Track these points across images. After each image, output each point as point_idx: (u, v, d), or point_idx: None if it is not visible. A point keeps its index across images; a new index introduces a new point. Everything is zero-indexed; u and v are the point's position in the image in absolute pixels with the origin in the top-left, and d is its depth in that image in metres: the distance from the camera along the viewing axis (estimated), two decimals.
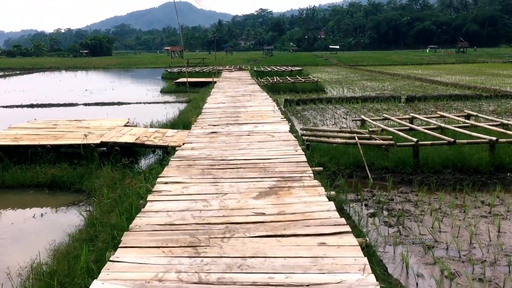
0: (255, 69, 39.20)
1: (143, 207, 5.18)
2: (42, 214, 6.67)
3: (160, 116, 13.66)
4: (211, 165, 7.13)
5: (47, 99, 22.14)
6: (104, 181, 6.97)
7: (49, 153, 8.28)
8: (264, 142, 8.71)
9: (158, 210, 5.09)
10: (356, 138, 9.08)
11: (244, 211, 5.02)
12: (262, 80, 27.42)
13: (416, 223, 6.31)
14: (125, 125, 10.83)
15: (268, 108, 13.74)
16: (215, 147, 8.42)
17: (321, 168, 7.36)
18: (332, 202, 5.18)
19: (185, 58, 43.70)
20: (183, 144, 8.69)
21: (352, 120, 11.85)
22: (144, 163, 9.39)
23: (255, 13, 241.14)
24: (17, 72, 50.05)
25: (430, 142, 8.51)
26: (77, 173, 7.79)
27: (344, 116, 15.52)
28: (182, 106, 18.08)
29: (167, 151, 8.65)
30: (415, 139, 8.35)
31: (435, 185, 7.71)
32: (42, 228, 6.25)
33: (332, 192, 5.88)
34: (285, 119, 11.42)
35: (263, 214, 4.92)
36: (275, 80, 26.55)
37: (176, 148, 8.20)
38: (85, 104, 19.39)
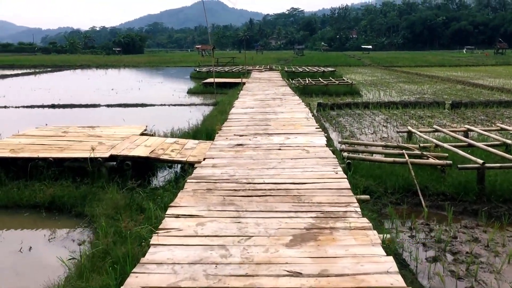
0: (285, 69, 37.87)
1: (143, 255, 4.00)
2: (30, 248, 5.56)
3: (183, 121, 12.55)
4: (234, 190, 5.91)
5: (71, 98, 21.42)
6: (106, 208, 5.83)
7: (51, 167, 7.22)
8: (297, 160, 7.45)
9: (161, 261, 3.89)
10: (406, 155, 7.72)
11: (274, 268, 3.78)
12: (294, 81, 26.13)
13: (492, 274, 4.95)
14: (142, 133, 9.74)
15: (301, 115, 12.45)
16: (240, 164, 7.22)
17: (368, 196, 6.06)
18: (391, 259, 3.88)
19: (215, 57, 42.67)
20: (204, 159, 7.52)
21: (397, 132, 10.46)
22: (160, 179, 8.25)
23: (287, 12, 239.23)
24: (49, 69, 50.11)
25: (499, 164, 7.07)
26: (80, 192, 6.68)
27: (384, 124, 14.11)
28: (208, 109, 16.98)
29: (185, 168, 7.49)
30: (480, 161, 6.91)
31: (507, 219, 6.30)
32: (23, 270, 5.10)
33: (387, 236, 4.59)
34: (320, 130, 10.11)
35: (300, 274, 3.67)
36: (307, 82, 25.20)
37: (195, 165, 7.03)
38: (108, 106, 18.51)
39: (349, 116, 15.91)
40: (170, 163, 7.94)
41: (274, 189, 5.91)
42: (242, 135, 9.60)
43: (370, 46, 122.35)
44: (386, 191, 7.21)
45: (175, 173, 7.98)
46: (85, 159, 7.23)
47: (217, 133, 9.95)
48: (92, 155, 7.23)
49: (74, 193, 6.65)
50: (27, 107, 18.48)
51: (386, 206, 6.89)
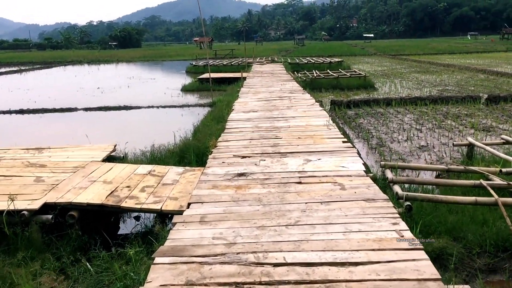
0: (289, 61, 35.09)
1: None
2: None
3: (169, 131, 9.94)
4: (236, 283, 3.34)
5: (48, 100, 18.88)
6: None
7: None
8: (330, 205, 4.84)
9: None
10: (491, 190, 5.13)
11: None
12: (299, 74, 23.44)
13: None
14: (109, 156, 7.16)
15: (319, 120, 9.82)
16: (242, 216, 4.63)
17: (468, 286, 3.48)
18: None
19: (213, 49, 39.97)
20: (188, 205, 4.95)
21: (454, 145, 7.87)
22: (131, 228, 5.65)
23: (285, 2, 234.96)
24: (37, 66, 47.34)
25: None
26: None
27: (417, 127, 11.53)
28: (203, 111, 14.34)
29: (162, 215, 4.92)
30: None
31: None
32: None
33: None
34: (350, 146, 7.49)
35: None
36: (314, 75, 22.49)
37: (173, 222, 4.45)
38: (86, 109, 15.80)
39: (370, 116, 13.32)
40: (137, 212, 5.37)
41: (303, 282, 3.33)
42: (245, 156, 6.98)
43: (372, 35, 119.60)
44: (469, 251, 4.66)
45: (147, 228, 5.25)
46: (1, 212, 4.63)
47: (211, 152, 7.35)
48: (12, 207, 4.63)
49: None
50: None
51: (474, 276, 4.38)
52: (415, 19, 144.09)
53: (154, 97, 19.21)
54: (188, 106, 15.94)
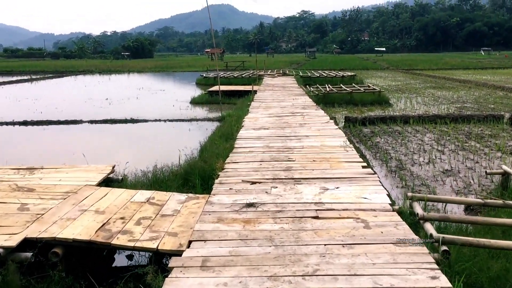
0: (301, 74, 34.50)
1: None
2: None
3: (174, 149, 9.33)
4: None
5: (55, 111, 18.42)
6: None
7: None
8: (354, 249, 4.14)
9: None
10: None
11: None
12: (311, 88, 22.81)
13: None
14: (106, 179, 6.53)
15: (335, 141, 9.14)
16: (250, 260, 3.95)
17: None
18: None
19: (224, 61, 39.50)
20: (189, 244, 4.29)
21: (487, 174, 7.15)
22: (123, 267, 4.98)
23: (297, 15, 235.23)
24: (49, 75, 47.18)
25: None
26: None
27: (438, 147, 10.83)
28: (212, 126, 13.73)
29: (159, 255, 4.26)
30: None
31: None
32: None
33: None
34: (372, 172, 6.79)
35: None
36: (327, 89, 21.84)
37: (170, 266, 3.79)
38: (91, 122, 15.23)
39: (387, 134, 12.63)
40: (129, 250, 4.72)
41: None
42: (255, 182, 6.31)
43: (384, 49, 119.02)
44: None
45: (141, 271, 4.52)
46: None
47: (218, 176, 6.69)
48: None
49: None
50: None
51: None
52: (427, 34, 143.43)
53: (162, 109, 18.66)
54: (197, 120, 15.31)
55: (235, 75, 31.75)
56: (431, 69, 46.91)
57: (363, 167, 7.00)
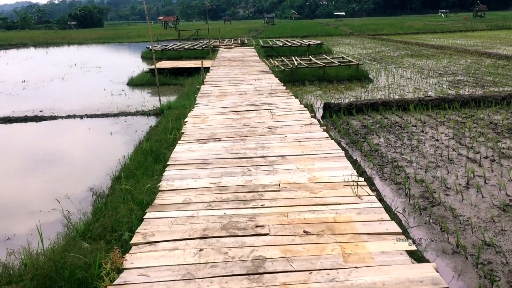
0: (261, 44, 30.61)
1: None
2: None
3: (59, 187, 5.61)
4: None
5: None
6: None
7: None
8: None
9: None
10: None
11: None
12: (276, 62, 19.13)
13: None
14: None
15: (333, 169, 5.64)
16: None
17: None
18: None
19: (176, 30, 35.05)
20: None
21: None
22: None
23: None
24: None
25: None
26: None
27: (465, 152, 7.59)
28: (147, 124, 9.98)
29: None
30: None
31: None
32: None
33: None
34: (413, 247, 3.38)
35: None
36: (295, 63, 18.18)
37: None
38: None
39: (386, 131, 9.25)
40: None
41: None
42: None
43: (343, 13, 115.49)
44: None
45: None
46: None
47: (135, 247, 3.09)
48: None
49: None
50: None
51: None
52: None
53: (88, 96, 14.66)
54: (126, 114, 11.20)
55: (186, 47, 27.55)
56: (398, 33, 43.99)
57: (402, 241, 3.53)
